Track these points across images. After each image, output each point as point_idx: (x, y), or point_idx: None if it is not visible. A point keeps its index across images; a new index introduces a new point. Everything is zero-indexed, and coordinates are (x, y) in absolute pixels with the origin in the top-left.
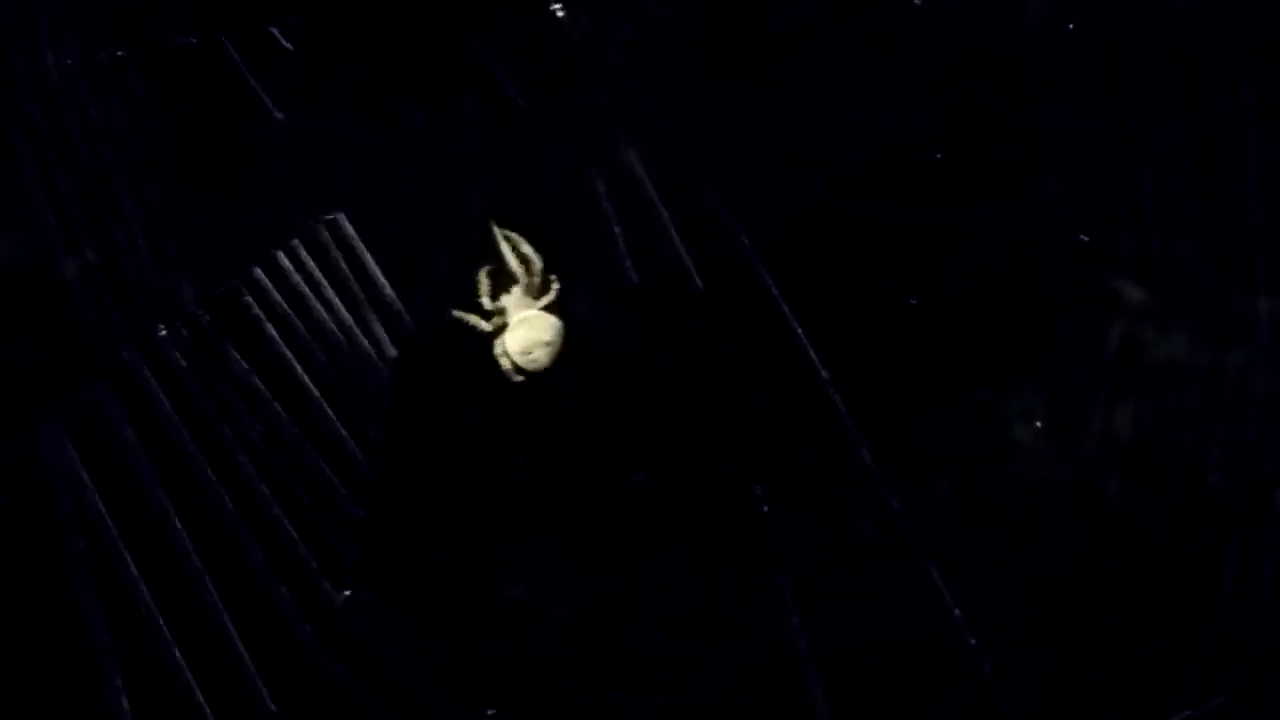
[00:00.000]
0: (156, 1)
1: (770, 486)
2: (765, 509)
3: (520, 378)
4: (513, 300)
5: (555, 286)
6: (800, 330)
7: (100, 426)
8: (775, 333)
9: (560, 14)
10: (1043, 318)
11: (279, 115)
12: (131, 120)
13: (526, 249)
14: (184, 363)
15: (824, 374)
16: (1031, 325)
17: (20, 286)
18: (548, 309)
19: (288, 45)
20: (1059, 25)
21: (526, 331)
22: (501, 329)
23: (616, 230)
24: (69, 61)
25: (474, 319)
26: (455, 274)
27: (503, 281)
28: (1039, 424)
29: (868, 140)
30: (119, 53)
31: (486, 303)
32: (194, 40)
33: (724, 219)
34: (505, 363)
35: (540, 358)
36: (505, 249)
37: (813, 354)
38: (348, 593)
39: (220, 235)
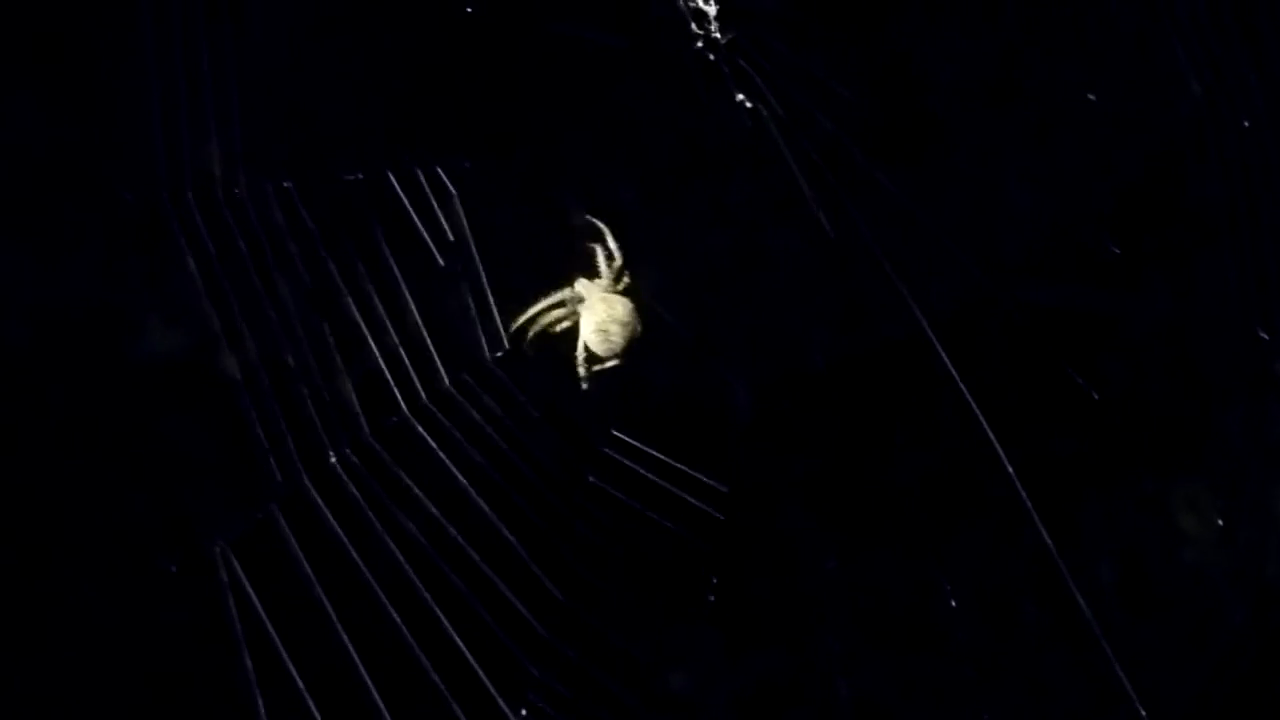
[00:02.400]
0: (328, 134)
1: (937, 566)
2: (953, 603)
3: (593, 365)
4: (590, 286)
5: (626, 277)
6: (967, 409)
7: (268, 541)
8: (942, 415)
9: (749, 105)
10: (1207, 403)
11: (441, 262)
12: (298, 238)
13: (609, 240)
14: (352, 482)
15: (1001, 454)
16: (1196, 411)
17: (185, 379)
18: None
19: (452, 189)
20: (1221, 107)
21: (604, 310)
22: (577, 313)
23: (779, 315)
24: (237, 192)
25: (552, 302)
26: None
27: (584, 271)
28: (1204, 511)
29: (1029, 223)
30: (286, 184)
31: (566, 292)
32: (359, 176)
33: (889, 300)
34: (580, 347)
35: (616, 338)
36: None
37: (992, 435)
38: (524, 712)
39: (380, 335)
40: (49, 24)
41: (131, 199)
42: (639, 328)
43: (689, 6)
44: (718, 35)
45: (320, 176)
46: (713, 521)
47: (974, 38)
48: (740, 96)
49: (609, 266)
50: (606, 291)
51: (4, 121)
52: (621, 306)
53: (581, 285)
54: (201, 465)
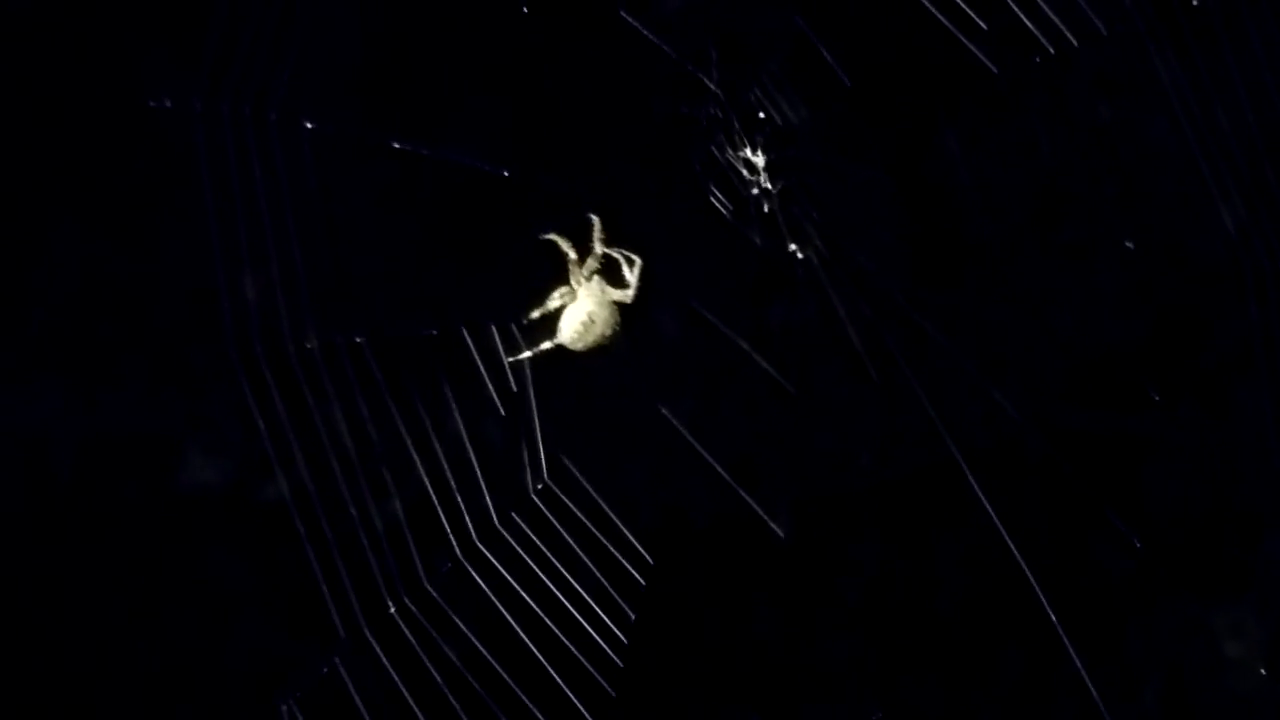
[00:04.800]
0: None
1: (979, 694)
2: None
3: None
4: (592, 284)
5: (636, 281)
6: (1006, 535)
7: (330, 691)
8: (981, 542)
9: (800, 255)
10: (1250, 529)
11: (502, 413)
12: (365, 391)
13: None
14: (409, 630)
15: (1034, 585)
16: (1239, 537)
17: (235, 520)
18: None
19: (506, 355)
20: (1258, 230)
21: (594, 306)
22: (569, 302)
23: (818, 441)
24: (309, 346)
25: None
26: None
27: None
28: (1249, 637)
29: (1069, 348)
30: (358, 339)
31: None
32: (434, 332)
33: (927, 428)
34: (563, 328)
35: (593, 333)
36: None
37: (1019, 558)
38: None
39: (436, 477)
40: (97, 163)
41: (203, 359)
42: (619, 331)
43: (739, 157)
44: (768, 185)
45: (388, 332)
46: (755, 646)
47: (1010, 170)
48: (793, 247)
49: (619, 275)
50: (602, 291)
51: (50, 254)
52: (611, 309)
53: (581, 279)
54: (259, 610)
